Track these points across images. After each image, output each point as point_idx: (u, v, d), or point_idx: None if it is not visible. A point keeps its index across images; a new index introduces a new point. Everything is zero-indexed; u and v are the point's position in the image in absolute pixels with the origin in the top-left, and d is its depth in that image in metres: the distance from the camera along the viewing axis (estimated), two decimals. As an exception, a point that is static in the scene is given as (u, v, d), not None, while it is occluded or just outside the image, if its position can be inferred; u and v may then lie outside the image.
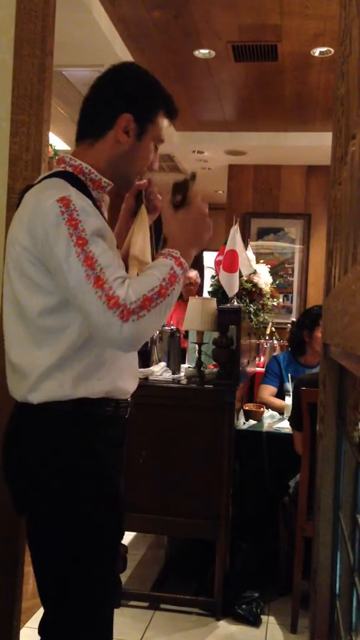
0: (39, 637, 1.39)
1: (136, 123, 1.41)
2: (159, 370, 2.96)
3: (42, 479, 1.31)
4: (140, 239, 1.54)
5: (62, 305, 1.28)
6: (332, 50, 3.86)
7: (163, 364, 3.06)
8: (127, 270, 1.51)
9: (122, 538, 1.44)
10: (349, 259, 0.68)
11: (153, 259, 1.53)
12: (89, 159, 1.41)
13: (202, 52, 4.00)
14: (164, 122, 1.48)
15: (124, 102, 1.40)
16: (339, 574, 1.05)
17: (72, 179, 1.33)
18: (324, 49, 3.87)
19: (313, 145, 5.44)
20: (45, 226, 1.24)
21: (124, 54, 3.94)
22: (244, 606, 2.71)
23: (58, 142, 5.41)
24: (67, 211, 1.23)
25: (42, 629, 1.37)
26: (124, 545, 1.52)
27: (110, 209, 1.59)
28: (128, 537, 3.42)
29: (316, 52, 3.92)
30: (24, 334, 1.33)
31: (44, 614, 1.36)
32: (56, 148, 4.76)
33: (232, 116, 5.22)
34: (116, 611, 1.84)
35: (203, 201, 1.41)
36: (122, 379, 1.40)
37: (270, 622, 2.70)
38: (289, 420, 3.01)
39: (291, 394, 3.41)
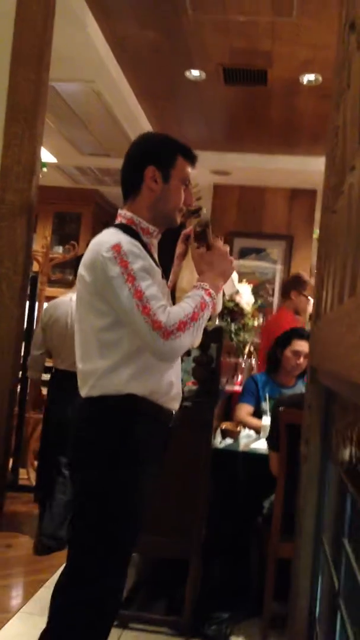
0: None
1: (160, 171, 1.77)
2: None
3: (89, 451, 1.68)
4: (188, 274, 1.93)
5: (116, 324, 1.65)
6: (321, 78, 3.94)
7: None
8: (174, 298, 1.91)
9: (140, 523, 1.76)
10: (345, 286, 0.70)
11: None
12: (135, 211, 1.78)
13: (193, 73, 4.05)
14: (186, 165, 1.82)
15: (146, 159, 1.78)
16: (319, 598, 1.06)
17: (126, 228, 1.72)
18: (312, 76, 3.95)
19: (297, 169, 5.53)
20: (103, 267, 1.61)
21: (115, 71, 3.98)
22: (213, 627, 2.69)
23: (45, 153, 5.42)
24: (118, 255, 1.60)
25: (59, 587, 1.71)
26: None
27: (166, 252, 1.99)
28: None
29: (305, 79, 3.99)
30: (92, 348, 1.70)
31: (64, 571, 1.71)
32: (44, 160, 4.78)
33: (219, 137, 5.28)
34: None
35: (224, 244, 1.81)
36: (165, 383, 1.73)
37: (240, 644, 2.69)
38: (266, 440, 3.02)
39: (268, 413, 3.43)
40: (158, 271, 1.74)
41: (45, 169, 4.85)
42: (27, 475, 4.68)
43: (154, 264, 1.70)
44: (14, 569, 3.32)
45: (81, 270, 1.72)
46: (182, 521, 2.70)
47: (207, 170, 5.78)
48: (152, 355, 1.63)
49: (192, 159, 1.84)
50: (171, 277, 2.00)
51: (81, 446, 1.71)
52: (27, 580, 3.21)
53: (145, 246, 1.71)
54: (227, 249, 1.82)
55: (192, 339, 1.62)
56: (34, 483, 4.63)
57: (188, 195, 1.84)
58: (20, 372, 4.59)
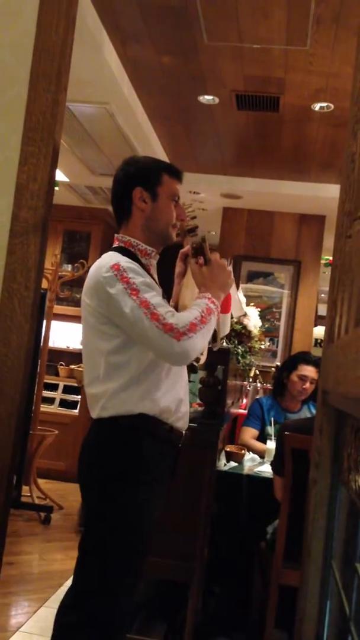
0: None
1: (147, 191, 1.82)
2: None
3: (100, 474, 1.68)
4: (189, 292, 1.96)
5: (124, 346, 1.67)
6: (332, 106, 3.98)
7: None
8: None
9: (149, 547, 1.76)
10: (361, 311, 0.71)
11: None
12: (131, 233, 1.84)
13: (207, 98, 4.11)
14: (173, 182, 1.85)
15: (132, 181, 1.83)
16: (327, 624, 1.05)
17: (124, 251, 1.77)
18: (324, 104, 4.00)
19: (307, 195, 5.56)
20: (105, 288, 1.64)
21: (130, 94, 4.04)
22: (214, 653, 2.66)
23: (58, 173, 5.48)
24: (119, 273, 1.64)
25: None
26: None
27: (165, 273, 2.04)
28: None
29: (316, 106, 4.04)
30: (101, 371, 1.70)
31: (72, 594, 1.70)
32: (56, 179, 4.83)
33: (231, 161, 5.34)
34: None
35: (221, 257, 1.84)
36: (175, 400, 1.75)
37: (240, 671, 2.65)
38: (270, 464, 3.01)
39: (273, 437, 3.42)
40: (159, 290, 1.78)
41: (57, 188, 4.90)
42: (30, 493, 4.66)
43: (154, 284, 1.74)
44: (15, 588, 3.30)
45: (84, 296, 1.75)
46: (184, 543, 2.68)
47: (217, 194, 5.83)
48: (166, 360, 1.64)
49: (177, 175, 1.88)
50: (173, 296, 2.03)
51: (93, 468, 1.71)
52: (28, 598, 3.18)
53: (144, 267, 1.75)
54: (225, 262, 1.85)
55: (203, 341, 1.63)
56: (36, 501, 4.61)
57: (180, 211, 1.88)
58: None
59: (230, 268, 1.92)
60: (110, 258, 1.72)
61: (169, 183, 1.85)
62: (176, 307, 1.98)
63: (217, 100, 4.11)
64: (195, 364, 1.98)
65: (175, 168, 1.89)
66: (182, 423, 1.81)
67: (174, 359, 1.62)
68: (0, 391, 1.85)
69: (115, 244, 1.85)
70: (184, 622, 2.70)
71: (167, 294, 1.90)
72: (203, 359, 2.06)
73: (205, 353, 2.07)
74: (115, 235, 1.88)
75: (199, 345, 1.61)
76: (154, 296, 1.63)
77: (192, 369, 2.03)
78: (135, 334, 1.63)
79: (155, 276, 1.87)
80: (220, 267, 1.82)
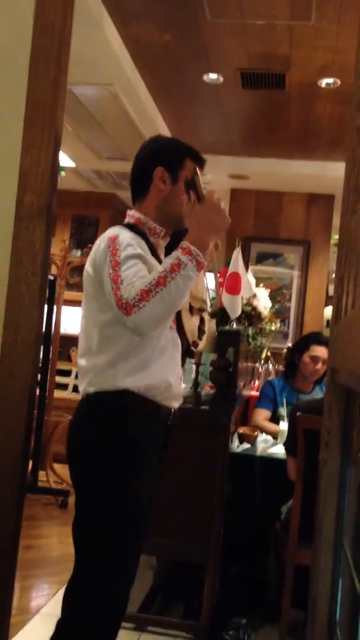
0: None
1: (169, 172, 1.80)
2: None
3: (87, 454, 1.65)
4: (199, 281, 1.93)
5: (116, 319, 1.62)
6: (339, 82, 3.92)
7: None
8: (190, 307, 1.91)
9: (142, 528, 1.70)
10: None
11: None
12: (143, 211, 1.82)
13: (211, 77, 4.05)
14: (192, 167, 1.80)
15: (155, 160, 1.82)
16: (339, 602, 1.04)
17: (132, 227, 1.75)
18: (330, 80, 3.93)
19: (315, 173, 5.50)
20: (100, 259, 1.66)
21: (133, 74, 3.99)
22: (231, 632, 2.68)
23: (63, 157, 5.44)
24: (112, 245, 1.64)
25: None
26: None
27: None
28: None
29: (323, 82, 3.97)
30: (94, 343, 1.69)
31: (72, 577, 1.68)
32: (62, 165, 4.81)
33: (237, 141, 5.28)
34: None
35: (218, 197, 1.71)
36: (162, 382, 1.70)
37: (257, 650, 2.67)
38: (283, 445, 3.00)
39: (285, 418, 3.41)
40: (154, 264, 1.69)
41: (63, 173, 4.88)
42: (47, 478, 4.70)
43: (150, 258, 1.68)
44: (34, 571, 3.34)
45: (87, 265, 1.75)
46: (199, 525, 2.69)
47: (224, 175, 5.77)
48: (130, 332, 1.59)
49: (200, 162, 1.86)
50: None
51: (79, 445, 1.69)
52: (47, 581, 3.22)
53: (151, 247, 1.74)
54: (221, 202, 1.71)
55: (163, 306, 1.51)
56: (53, 485, 4.65)
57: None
58: (40, 375, 4.65)
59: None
60: (113, 231, 1.72)
61: (190, 168, 1.81)
62: None
63: (221, 79, 4.05)
64: (193, 349, 1.94)
65: (200, 155, 1.87)
66: (171, 402, 1.77)
67: (133, 332, 1.58)
68: (11, 377, 1.86)
69: (126, 220, 1.85)
70: (201, 602, 2.72)
71: None
72: (202, 345, 2.02)
73: (204, 339, 2.04)
74: (128, 211, 1.87)
75: (157, 312, 1.51)
76: (128, 268, 1.57)
77: (188, 354, 1.99)
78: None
79: (162, 257, 1.82)
80: (214, 207, 1.68)
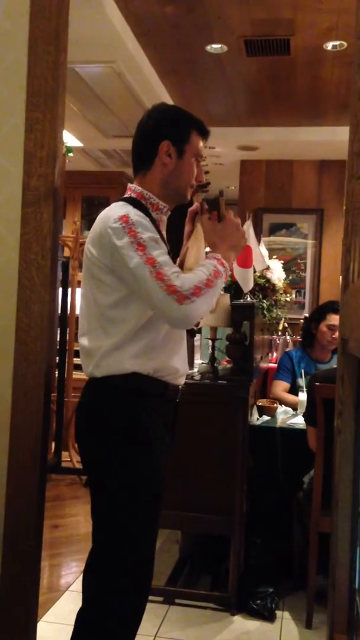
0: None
1: (174, 146, 1.74)
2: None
3: (97, 436, 1.64)
4: (195, 252, 1.88)
5: (124, 301, 1.62)
6: (345, 44, 3.83)
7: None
8: None
9: (160, 504, 1.69)
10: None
11: None
12: (146, 185, 1.76)
13: (214, 47, 3.98)
14: (199, 141, 1.79)
15: (161, 132, 1.75)
16: (358, 569, 1.05)
17: (135, 202, 1.69)
18: (336, 42, 3.85)
19: (326, 139, 5.41)
20: (111, 240, 1.58)
21: (135, 50, 3.94)
22: (258, 601, 2.72)
23: (70, 138, 5.41)
24: (127, 225, 1.58)
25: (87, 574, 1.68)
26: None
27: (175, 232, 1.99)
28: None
29: (329, 46, 3.89)
30: (95, 323, 1.66)
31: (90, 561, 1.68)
32: (68, 145, 4.78)
33: (244, 111, 5.20)
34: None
35: (235, 215, 1.76)
36: (171, 361, 1.69)
37: (284, 618, 2.71)
38: (302, 416, 3.01)
39: (304, 389, 3.41)
40: (166, 248, 1.69)
41: (71, 154, 4.85)
42: (70, 458, 4.76)
43: (161, 241, 1.66)
44: (62, 549, 3.40)
45: (88, 245, 1.69)
46: (223, 498, 2.72)
47: (233, 147, 5.70)
48: (167, 322, 1.60)
49: (205, 134, 1.81)
50: (180, 256, 1.96)
51: (91, 428, 1.67)
52: (74, 559, 3.28)
53: (154, 222, 1.68)
54: (239, 221, 1.77)
55: (206, 306, 1.57)
56: (76, 465, 4.71)
57: (200, 172, 1.82)
58: (58, 357, 4.68)
59: (244, 228, 1.84)
60: (120, 208, 1.64)
61: (196, 141, 1.78)
62: (181, 267, 1.90)
63: (225, 48, 3.99)
64: (194, 327, 1.92)
65: (205, 127, 1.82)
66: (179, 381, 1.76)
67: (174, 322, 1.57)
68: (26, 362, 1.87)
69: (127, 194, 1.78)
70: (228, 574, 2.76)
71: (173, 254, 1.82)
72: (202, 323, 2.02)
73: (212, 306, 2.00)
74: (129, 184, 1.80)
75: (201, 309, 1.56)
76: (161, 254, 1.57)
77: (190, 333, 1.97)
78: (138, 290, 1.58)
79: (164, 233, 1.81)
80: (233, 226, 1.74)
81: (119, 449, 1.61)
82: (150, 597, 2.77)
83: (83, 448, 1.71)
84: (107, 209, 1.69)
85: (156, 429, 1.67)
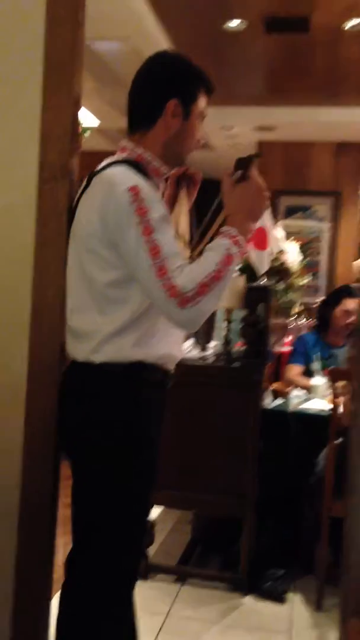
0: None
1: (182, 106, 1.55)
2: (187, 348, 2.95)
3: (93, 426, 1.49)
4: (183, 218, 1.72)
5: (127, 280, 1.44)
6: (366, 23, 3.76)
7: (191, 341, 3.05)
8: None
9: (151, 497, 1.59)
10: None
11: (191, 236, 1.75)
12: (146, 146, 1.56)
13: (233, 24, 3.92)
14: (205, 100, 1.61)
15: (168, 89, 1.55)
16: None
17: (136, 167, 1.48)
18: (356, 21, 3.78)
19: (344, 120, 5.34)
20: (116, 213, 1.39)
21: (153, 26, 3.88)
22: (269, 583, 2.73)
23: (86, 117, 5.38)
24: (136, 200, 1.37)
25: (70, 565, 1.58)
26: (149, 520, 1.61)
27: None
28: (154, 511, 3.45)
29: (348, 24, 3.82)
30: (89, 302, 1.49)
31: (72, 551, 1.57)
32: (85, 125, 4.74)
33: (262, 90, 5.14)
34: (143, 584, 1.86)
35: (261, 179, 1.53)
36: (173, 348, 1.56)
37: (295, 600, 2.72)
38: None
39: (320, 372, 3.39)
40: (171, 221, 1.53)
41: (87, 134, 4.82)
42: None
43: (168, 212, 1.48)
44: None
45: (83, 211, 1.51)
46: (235, 480, 2.72)
47: (250, 127, 5.64)
48: (171, 324, 1.44)
49: (210, 92, 1.64)
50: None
51: (89, 422, 1.51)
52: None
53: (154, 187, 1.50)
54: (264, 185, 1.54)
55: (216, 301, 1.39)
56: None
57: (200, 134, 1.65)
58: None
59: (267, 195, 1.67)
60: (126, 176, 1.44)
61: (202, 100, 1.60)
62: None
63: (243, 25, 3.92)
64: None
65: (211, 84, 1.63)
66: (173, 366, 1.62)
67: (177, 325, 1.42)
68: (41, 339, 1.86)
69: (124, 154, 1.57)
70: (239, 555, 2.77)
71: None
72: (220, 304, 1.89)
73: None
74: (125, 143, 1.60)
75: (208, 309, 1.38)
76: (168, 240, 1.39)
77: None
78: (139, 282, 1.42)
79: (162, 198, 1.64)
80: (258, 189, 1.52)
81: (119, 441, 1.48)
82: (162, 576, 2.81)
83: (78, 439, 1.55)
84: (108, 172, 1.48)
85: (156, 416, 1.57)
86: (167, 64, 1.62)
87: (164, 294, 1.35)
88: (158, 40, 4.03)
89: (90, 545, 1.53)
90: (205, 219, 1.86)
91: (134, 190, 1.39)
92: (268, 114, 5.47)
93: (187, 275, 1.36)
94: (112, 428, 1.48)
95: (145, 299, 1.45)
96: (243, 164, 1.54)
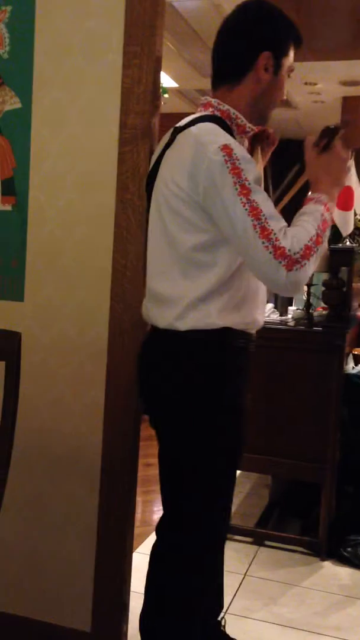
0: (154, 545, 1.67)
1: (274, 59, 1.47)
2: (267, 312, 2.91)
3: (179, 391, 1.46)
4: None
5: (215, 243, 1.38)
6: None
7: (270, 305, 3.01)
8: None
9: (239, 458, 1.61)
10: None
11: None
12: (232, 102, 1.49)
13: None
14: (293, 53, 1.52)
15: (262, 41, 1.46)
16: None
17: (222, 124, 1.42)
18: None
19: None
20: (209, 173, 1.32)
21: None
22: (349, 549, 2.70)
23: (166, 78, 5.30)
24: (230, 160, 1.31)
25: (160, 525, 1.63)
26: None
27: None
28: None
29: None
30: (171, 265, 1.44)
31: (163, 515, 1.62)
32: (164, 86, 4.69)
33: (348, 43, 4.88)
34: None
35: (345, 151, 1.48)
36: (257, 313, 1.52)
37: (375, 567, 2.68)
38: None
39: None
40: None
41: (166, 95, 4.76)
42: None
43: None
44: (155, 486, 3.49)
45: (172, 172, 1.42)
46: (315, 446, 2.69)
47: (335, 82, 5.40)
48: (271, 288, 1.38)
49: (300, 45, 1.54)
50: None
51: (174, 389, 1.47)
52: (165, 496, 3.38)
53: None
54: (348, 155, 1.50)
55: (314, 267, 1.35)
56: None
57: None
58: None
59: (351, 163, 1.63)
60: (216, 133, 1.37)
61: (291, 55, 1.52)
62: None
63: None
64: None
65: (299, 33, 1.53)
66: (261, 322, 1.58)
67: (279, 289, 1.34)
68: (123, 302, 1.88)
69: (208, 111, 1.49)
70: (318, 519, 2.75)
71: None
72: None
73: None
74: (208, 99, 1.53)
75: (310, 273, 1.33)
76: (266, 200, 1.32)
77: None
78: (235, 244, 1.36)
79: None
80: (341, 159, 1.47)
81: (209, 408, 1.45)
82: (240, 538, 2.83)
83: (163, 408, 1.53)
84: (195, 129, 1.40)
85: (243, 383, 1.53)
86: (260, 14, 1.51)
87: (269, 255, 1.28)
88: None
89: (181, 505, 1.55)
90: (284, 183, 1.81)
91: (227, 149, 1.33)
92: (354, 68, 5.21)
93: (293, 237, 1.30)
94: (201, 397, 1.44)
95: (232, 264, 1.40)
96: (329, 133, 1.49)
